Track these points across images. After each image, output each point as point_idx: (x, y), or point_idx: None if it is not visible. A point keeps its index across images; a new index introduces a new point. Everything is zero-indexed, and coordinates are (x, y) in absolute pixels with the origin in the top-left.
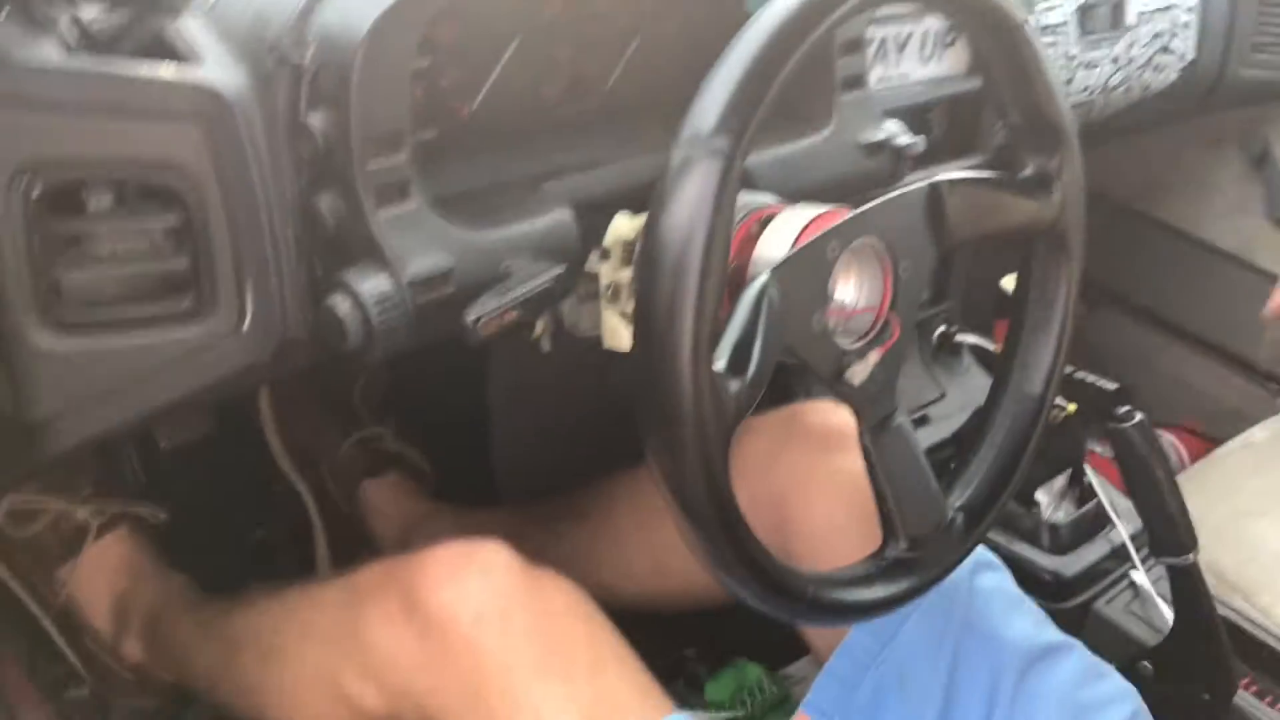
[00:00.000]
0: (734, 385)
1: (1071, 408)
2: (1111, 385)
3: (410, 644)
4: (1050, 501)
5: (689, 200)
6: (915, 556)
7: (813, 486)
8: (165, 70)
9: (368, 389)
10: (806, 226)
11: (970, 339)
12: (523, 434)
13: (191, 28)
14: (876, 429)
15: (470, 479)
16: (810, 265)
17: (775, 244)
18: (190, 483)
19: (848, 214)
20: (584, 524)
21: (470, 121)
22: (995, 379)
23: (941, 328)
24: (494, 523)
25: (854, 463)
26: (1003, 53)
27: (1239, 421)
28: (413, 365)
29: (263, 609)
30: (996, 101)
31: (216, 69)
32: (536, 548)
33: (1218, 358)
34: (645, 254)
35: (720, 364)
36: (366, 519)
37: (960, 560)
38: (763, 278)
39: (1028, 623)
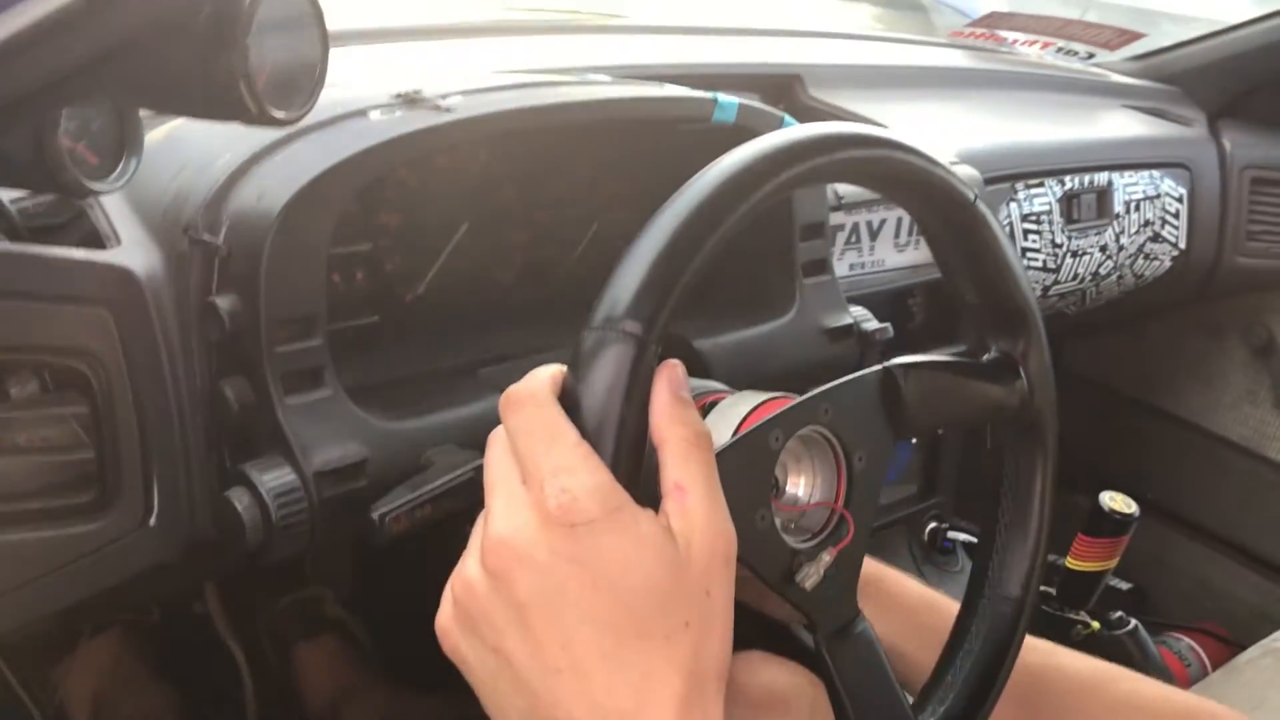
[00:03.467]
0: None
1: (1095, 625)
2: (1124, 585)
3: None
4: None
5: (599, 389)
6: None
7: None
8: (77, 252)
9: None
10: (748, 415)
11: (962, 536)
12: None
13: (110, 206)
14: (834, 638)
15: (411, 659)
16: (750, 457)
17: (713, 434)
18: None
19: (793, 401)
20: None
21: (415, 305)
22: (970, 580)
23: (932, 524)
24: (427, 711)
25: None
26: (954, 233)
27: (1262, 623)
28: None
29: None
30: (952, 284)
31: (130, 250)
32: None
33: (1234, 555)
34: None
35: None
36: (298, 683)
37: None
38: None
39: None
